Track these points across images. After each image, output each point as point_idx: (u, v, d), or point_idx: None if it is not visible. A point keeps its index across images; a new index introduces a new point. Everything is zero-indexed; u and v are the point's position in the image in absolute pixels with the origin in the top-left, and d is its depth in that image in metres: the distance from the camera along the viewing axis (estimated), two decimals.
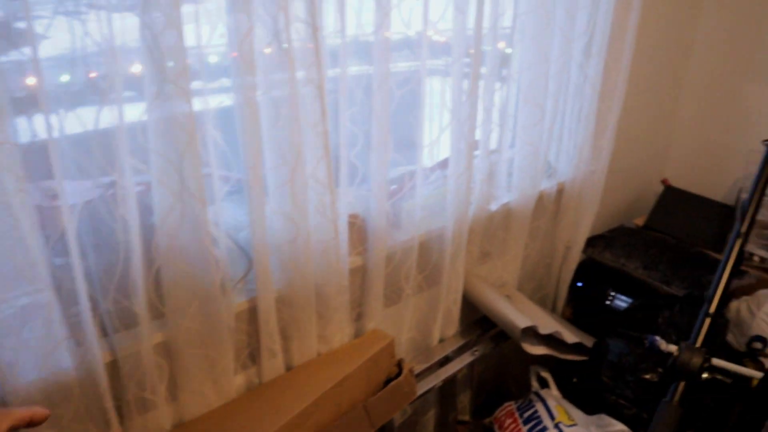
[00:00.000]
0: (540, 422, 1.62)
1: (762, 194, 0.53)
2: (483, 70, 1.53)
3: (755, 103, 2.42)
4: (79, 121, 0.97)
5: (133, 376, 1.16)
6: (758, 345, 1.83)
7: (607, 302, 2.06)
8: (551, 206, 2.04)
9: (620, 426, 1.53)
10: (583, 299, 2.19)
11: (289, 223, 1.27)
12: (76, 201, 1.01)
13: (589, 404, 1.67)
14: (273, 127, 1.19)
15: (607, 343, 1.75)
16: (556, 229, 2.13)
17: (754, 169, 2.25)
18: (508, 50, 1.68)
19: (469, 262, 1.83)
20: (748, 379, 1.08)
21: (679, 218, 2.41)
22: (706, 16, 2.48)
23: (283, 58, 1.12)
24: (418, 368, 1.73)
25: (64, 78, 0.97)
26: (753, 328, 1.86)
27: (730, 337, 1.95)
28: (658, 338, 1.59)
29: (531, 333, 1.68)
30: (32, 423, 0.54)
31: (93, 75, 0.97)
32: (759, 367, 1.83)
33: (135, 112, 1.02)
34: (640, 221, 2.47)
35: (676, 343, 1.69)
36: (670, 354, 1.21)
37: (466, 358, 1.78)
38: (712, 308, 0.49)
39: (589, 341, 1.88)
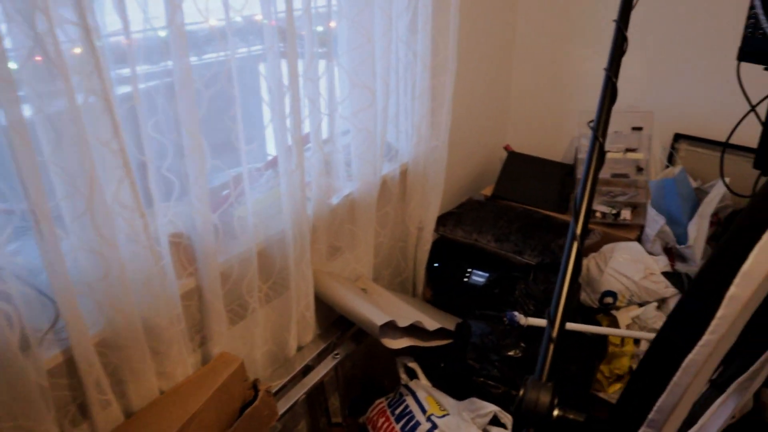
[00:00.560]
0: (413, 417, 1.57)
1: (594, 185, 0.45)
2: (302, 57, 1.42)
3: (583, 66, 2.52)
4: None
5: None
6: (609, 300, 1.90)
7: (465, 279, 2.05)
8: (397, 189, 1.98)
9: (491, 407, 1.52)
10: (441, 279, 2.18)
11: (97, 257, 1.10)
12: None
13: (458, 388, 1.65)
14: (56, 150, 1.00)
15: (469, 325, 1.73)
16: (405, 212, 2.08)
17: (587, 130, 2.34)
18: (328, 34, 1.57)
19: (318, 261, 1.73)
20: None
21: (524, 183, 2.46)
22: None
23: (51, 68, 0.94)
24: (279, 383, 1.62)
25: None
26: (603, 284, 1.93)
27: (583, 296, 2.01)
28: (516, 313, 1.58)
29: (391, 327, 1.62)
30: None
31: None
32: (612, 321, 1.91)
33: None
34: (488, 191, 2.49)
35: (534, 314, 1.70)
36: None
37: (329, 363, 1.68)
38: (555, 331, 0.40)
39: (452, 322, 1.86)
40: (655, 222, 2.04)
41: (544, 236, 2.07)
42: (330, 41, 1.55)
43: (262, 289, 1.56)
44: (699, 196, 2.14)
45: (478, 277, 2.04)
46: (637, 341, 1.86)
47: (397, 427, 1.57)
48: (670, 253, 2.07)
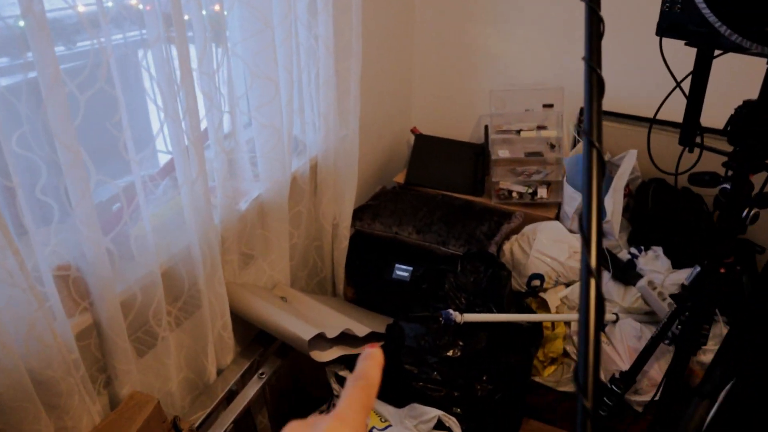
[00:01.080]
0: None
1: (600, 203, 0.34)
2: (194, 45, 1.24)
3: (483, 43, 2.45)
4: None
5: None
6: (537, 282, 1.85)
7: (389, 276, 1.94)
8: (308, 186, 1.83)
9: (434, 412, 1.42)
10: (362, 276, 2.05)
11: None
12: None
13: (397, 394, 1.53)
14: None
15: (402, 327, 1.61)
16: (318, 209, 1.94)
17: (494, 109, 2.28)
18: (219, 20, 1.39)
19: (230, 273, 1.56)
20: None
21: (436, 167, 2.38)
22: None
23: None
24: (202, 414, 1.45)
25: None
26: (529, 267, 1.88)
27: (513, 282, 1.95)
28: (451, 311, 1.49)
29: (318, 337, 1.48)
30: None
31: None
32: (541, 303, 1.86)
33: None
34: (400, 178, 2.39)
35: (467, 307, 1.62)
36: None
37: (255, 384, 1.53)
38: (589, 402, 0.30)
39: (381, 322, 1.74)
40: (572, 199, 2.02)
41: (468, 224, 1.99)
42: (221, 28, 1.37)
43: (171, 313, 1.38)
44: (610, 169, 2.14)
45: (402, 272, 1.94)
46: (568, 323, 1.83)
47: None
48: None
